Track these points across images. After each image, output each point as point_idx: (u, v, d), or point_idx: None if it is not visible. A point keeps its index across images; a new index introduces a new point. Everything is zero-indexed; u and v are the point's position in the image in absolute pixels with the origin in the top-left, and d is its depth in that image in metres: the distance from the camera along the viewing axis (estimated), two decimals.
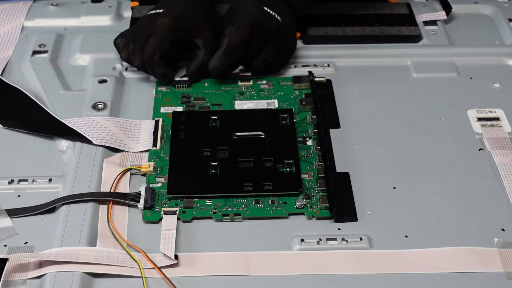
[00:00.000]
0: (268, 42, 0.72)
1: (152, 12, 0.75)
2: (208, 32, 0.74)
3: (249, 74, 0.75)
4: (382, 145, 0.68)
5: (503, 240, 0.58)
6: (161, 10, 0.74)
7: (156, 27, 0.72)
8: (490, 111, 0.71)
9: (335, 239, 0.58)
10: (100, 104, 0.71)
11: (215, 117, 0.69)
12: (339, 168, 0.64)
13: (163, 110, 0.71)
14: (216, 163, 0.64)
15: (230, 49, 0.70)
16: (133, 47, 0.73)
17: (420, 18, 0.85)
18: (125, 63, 0.77)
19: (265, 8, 0.72)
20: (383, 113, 0.71)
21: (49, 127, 0.69)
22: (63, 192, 0.62)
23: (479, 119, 0.70)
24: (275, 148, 0.65)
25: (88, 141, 0.66)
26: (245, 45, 0.70)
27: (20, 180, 0.63)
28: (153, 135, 0.68)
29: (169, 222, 0.59)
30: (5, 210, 0.60)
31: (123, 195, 0.62)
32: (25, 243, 0.58)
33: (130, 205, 0.61)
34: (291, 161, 0.64)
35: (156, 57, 0.71)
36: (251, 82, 0.75)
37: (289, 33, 0.76)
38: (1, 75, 0.76)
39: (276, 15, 0.73)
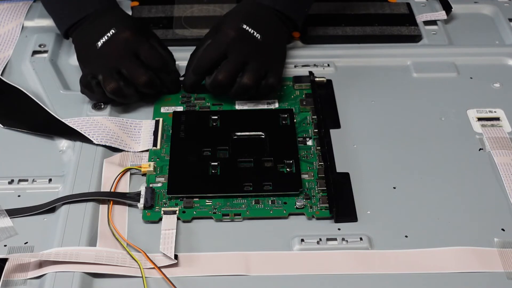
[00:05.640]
0: (250, 60, 0.69)
1: (107, 37, 0.70)
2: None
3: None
4: (382, 145, 0.68)
5: (503, 240, 0.58)
6: (114, 31, 0.70)
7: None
8: (490, 111, 0.71)
9: (335, 239, 0.58)
10: (100, 104, 0.71)
11: (216, 117, 0.69)
12: (339, 168, 0.64)
13: (163, 110, 0.71)
14: (216, 163, 0.64)
15: (197, 68, 0.71)
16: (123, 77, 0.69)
17: (420, 18, 0.85)
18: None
19: (245, 27, 0.71)
20: (383, 113, 0.71)
21: (49, 127, 0.69)
22: (63, 192, 0.62)
23: (479, 119, 0.70)
24: (275, 148, 0.65)
25: (89, 141, 0.66)
26: (212, 65, 0.70)
27: (20, 180, 0.63)
28: (154, 135, 0.68)
29: (169, 222, 0.59)
30: (5, 210, 0.60)
31: (123, 195, 0.62)
32: (25, 243, 0.58)
33: (130, 205, 0.61)
34: (291, 161, 0.64)
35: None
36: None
37: (271, 49, 0.72)
38: (1, 75, 0.76)
39: (255, 33, 0.71)
